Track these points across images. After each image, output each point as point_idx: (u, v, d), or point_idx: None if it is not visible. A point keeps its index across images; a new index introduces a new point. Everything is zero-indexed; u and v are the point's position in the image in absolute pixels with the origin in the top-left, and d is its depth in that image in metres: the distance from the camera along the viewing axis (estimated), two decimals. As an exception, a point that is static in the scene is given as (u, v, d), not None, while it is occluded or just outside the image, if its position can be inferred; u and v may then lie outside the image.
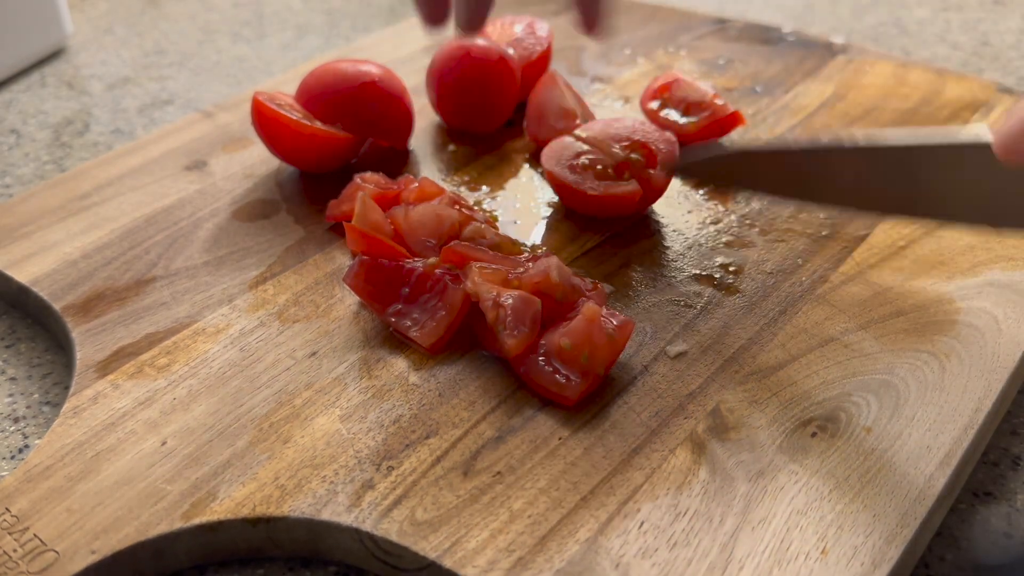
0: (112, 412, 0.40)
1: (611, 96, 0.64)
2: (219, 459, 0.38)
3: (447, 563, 0.34)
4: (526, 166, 0.57)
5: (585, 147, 0.51)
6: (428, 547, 0.34)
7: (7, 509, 0.36)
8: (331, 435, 0.39)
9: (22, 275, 0.48)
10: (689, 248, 0.49)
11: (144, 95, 0.71)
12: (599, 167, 0.50)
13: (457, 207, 0.49)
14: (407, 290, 0.44)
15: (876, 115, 0.60)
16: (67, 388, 0.43)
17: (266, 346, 0.43)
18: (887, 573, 0.33)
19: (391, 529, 0.35)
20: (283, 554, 0.37)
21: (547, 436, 0.39)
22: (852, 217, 0.50)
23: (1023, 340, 0.42)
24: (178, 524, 0.35)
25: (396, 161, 0.58)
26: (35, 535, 0.35)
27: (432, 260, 0.45)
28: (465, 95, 0.58)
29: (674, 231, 0.51)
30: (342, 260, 0.49)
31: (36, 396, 0.45)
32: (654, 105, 0.58)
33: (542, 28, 0.63)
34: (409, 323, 0.43)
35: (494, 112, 0.59)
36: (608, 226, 0.51)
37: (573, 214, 0.52)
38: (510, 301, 0.41)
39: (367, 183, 0.51)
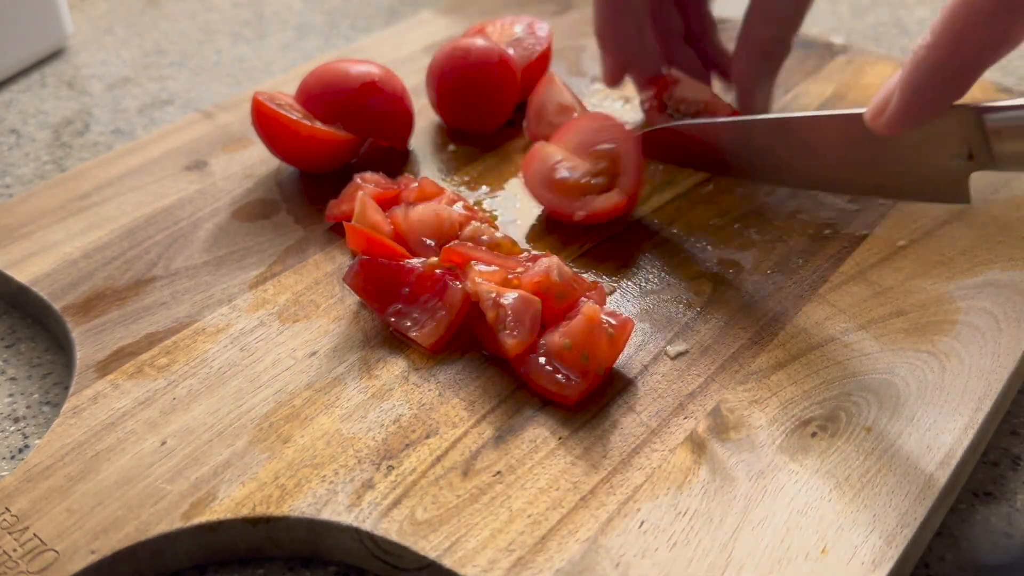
0: (112, 412, 0.40)
1: (611, 96, 0.64)
2: (219, 459, 0.38)
3: (447, 563, 0.34)
4: (526, 166, 0.57)
5: (560, 156, 0.51)
6: (428, 547, 0.34)
7: (7, 509, 0.36)
8: (331, 435, 0.39)
9: (22, 275, 0.48)
10: (689, 248, 0.49)
11: (144, 95, 0.71)
12: (580, 178, 0.50)
13: (457, 207, 0.49)
14: (407, 290, 0.44)
15: (876, 115, 0.60)
16: (67, 388, 0.43)
17: (266, 346, 0.43)
18: (887, 573, 0.33)
19: (391, 529, 0.35)
20: (283, 554, 0.37)
21: (547, 436, 0.39)
22: (851, 217, 0.50)
23: (1023, 340, 0.42)
24: (178, 524, 0.35)
25: (396, 161, 0.58)
26: (35, 535, 0.35)
27: (432, 260, 0.45)
28: (465, 95, 0.58)
29: (674, 231, 0.51)
30: (342, 260, 0.49)
31: (36, 396, 0.45)
32: (653, 104, 0.58)
33: (542, 28, 0.63)
34: (409, 323, 0.43)
35: (494, 112, 0.59)
36: (607, 227, 0.51)
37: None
38: (510, 301, 0.41)
39: (367, 183, 0.51)
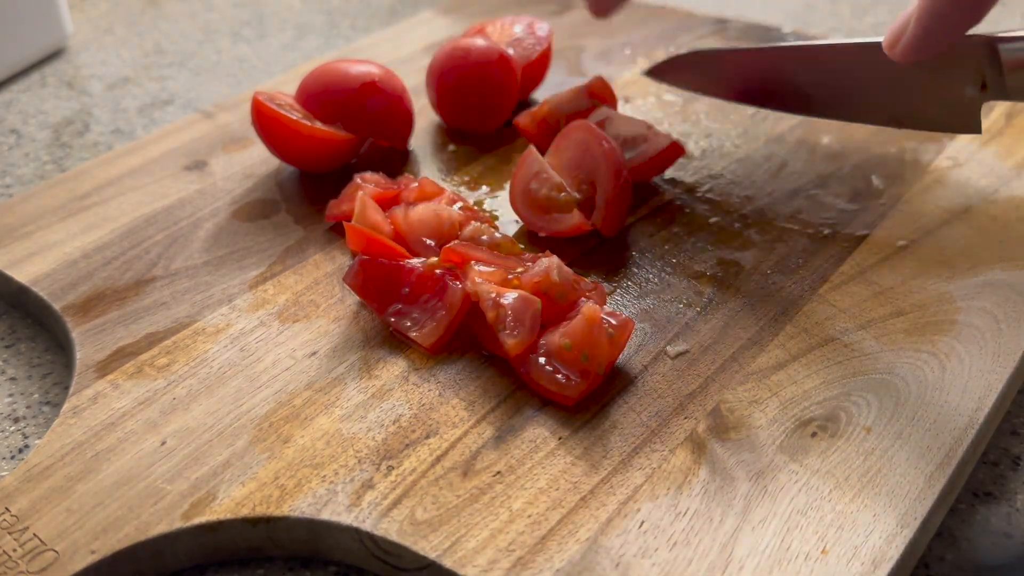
0: (112, 412, 0.40)
1: (611, 96, 0.64)
2: (219, 459, 0.38)
3: (447, 563, 0.34)
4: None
5: (538, 168, 0.50)
6: (428, 547, 0.34)
7: (7, 509, 0.36)
8: (331, 435, 0.39)
9: (22, 275, 0.48)
10: (689, 248, 0.49)
11: (144, 95, 0.71)
12: (548, 193, 0.49)
13: (457, 207, 0.49)
14: (407, 290, 0.44)
15: (876, 115, 0.60)
16: (67, 388, 0.43)
17: (266, 346, 0.43)
18: (887, 573, 0.33)
19: (391, 529, 0.35)
20: (283, 554, 0.37)
21: (547, 436, 0.39)
22: (851, 217, 0.51)
23: (1023, 340, 0.42)
24: (178, 524, 0.35)
25: (396, 161, 0.58)
26: (35, 535, 0.35)
27: (432, 260, 0.45)
28: (465, 95, 0.58)
29: (674, 231, 0.51)
30: (342, 260, 0.49)
31: (36, 396, 0.45)
32: None
33: (542, 28, 0.63)
34: (409, 323, 0.43)
35: (494, 112, 0.59)
36: (608, 226, 0.51)
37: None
38: (510, 301, 0.41)
39: (367, 183, 0.51)
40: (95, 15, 0.85)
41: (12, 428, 0.43)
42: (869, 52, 0.41)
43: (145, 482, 0.37)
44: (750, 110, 0.61)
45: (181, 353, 0.43)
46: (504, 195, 0.54)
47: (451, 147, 0.59)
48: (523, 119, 0.57)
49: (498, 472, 0.37)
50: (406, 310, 0.44)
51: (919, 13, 0.37)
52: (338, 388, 0.41)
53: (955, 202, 0.51)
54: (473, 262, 0.44)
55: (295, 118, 0.52)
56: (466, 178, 0.56)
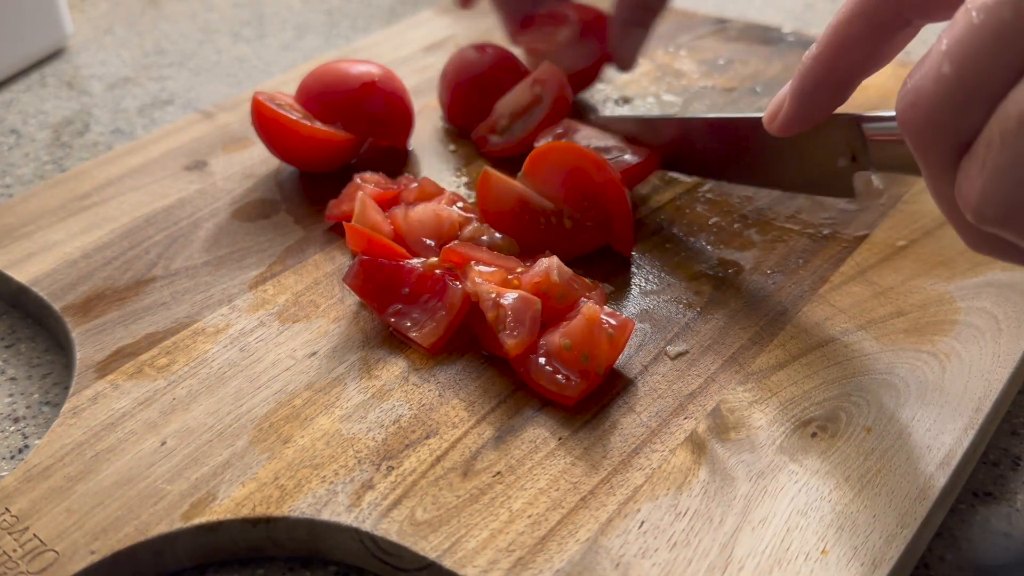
0: (112, 412, 0.40)
1: (611, 96, 0.64)
2: (219, 459, 0.38)
3: (447, 563, 0.34)
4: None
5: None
6: (428, 547, 0.34)
7: (7, 509, 0.36)
8: (331, 435, 0.39)
9: (22, 275, 0.48)
10: (689, 248, 0.49)
11: (144, 95, 0.71)
12: (551, 221, 0.48)
13: (457, 207, 0.49)
14: (407, 290, 0.44)
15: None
16: (67, 388, 0.43)
17: (266, 346, 0.43)
18: (887, 573, 0.33)
19: (391, 529, 0.35)
20: (283, 554, 0.37)
21: (547, 436, 0.39)
22: (851, 217, 0.51)
23: (1023, 340, 0.42)
24: (178, 524, 0.35)
25: (396, 161, 0.58)
26: (35, 535, 0.35)
27: (432, 260, 0.45)
28: (480, 101, 0.58)
29: (674, 231, 0.51)
30: (342, 260, 0.49)
31: (36, 396, 0.45)
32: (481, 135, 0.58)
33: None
34: (409, 323, 0.43)
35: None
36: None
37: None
38: (510, 301, 0.41)
39: (367, 183, 0.51)
40: (95, 15, 0.85)
41: (12, 428, 0.43)
42: (754, 125, 0.45)
43: (145, 482, 0.37)
44: (750, 110, 0.61)
45: (181, 353, 0.43)
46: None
47: (451, 147, 0.59)
48: (482, 133, 0.58)
49: (498, 472, 0.37)
50: (406, 310, 0.44)
51: (792, 92, 0.40)
52: (338, 388, 0.41)
53: (955, 202, 0.51)
54: (473, 262, 0.44)
55: (295, 118, 0.52)
56: (466, 178, 0.56)
